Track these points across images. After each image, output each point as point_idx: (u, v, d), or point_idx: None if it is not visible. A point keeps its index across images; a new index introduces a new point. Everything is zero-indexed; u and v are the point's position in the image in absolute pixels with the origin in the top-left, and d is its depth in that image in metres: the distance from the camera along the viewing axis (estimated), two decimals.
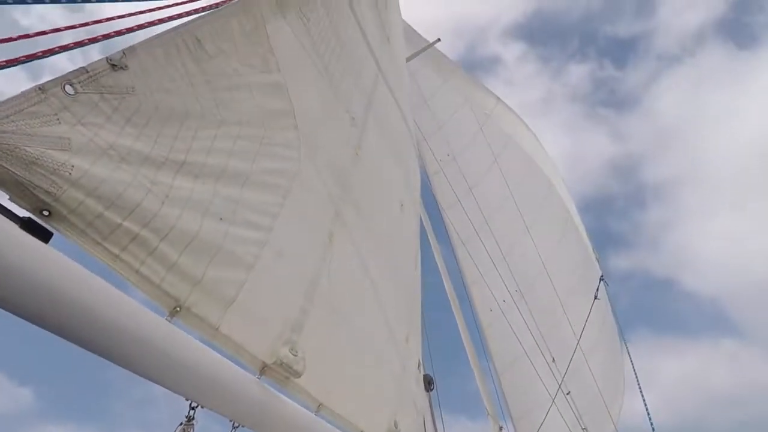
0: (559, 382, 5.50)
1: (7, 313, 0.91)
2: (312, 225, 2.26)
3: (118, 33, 1.48)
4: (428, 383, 5.40)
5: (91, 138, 1.11)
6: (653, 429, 4.55)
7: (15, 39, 1.20)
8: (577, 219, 7.12)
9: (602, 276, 6.53)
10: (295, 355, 1.80)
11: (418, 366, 4.44)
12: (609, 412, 5.68)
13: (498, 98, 8.61)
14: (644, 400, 4.98)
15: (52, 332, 0.96)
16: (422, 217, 6.81)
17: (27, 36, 1.23)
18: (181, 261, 1.30)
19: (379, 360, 3.15)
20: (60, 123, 1.04)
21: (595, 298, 6.18)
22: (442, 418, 5.17)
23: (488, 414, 5.95)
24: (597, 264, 6.83)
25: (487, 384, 5.95)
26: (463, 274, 7.13)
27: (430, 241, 6.59)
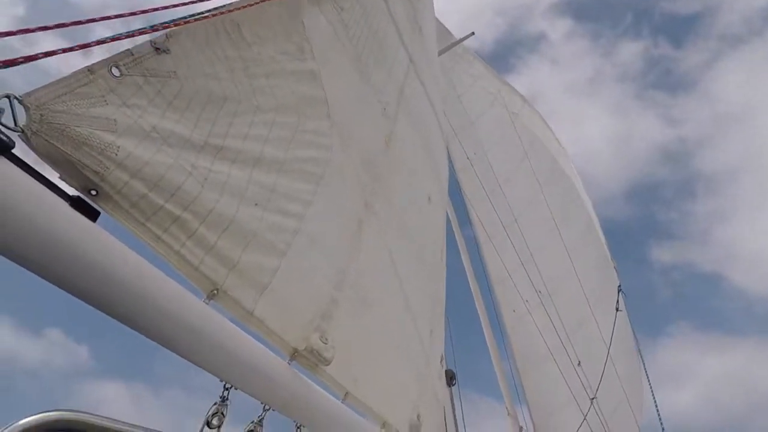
0: (585, 386, 5.39)
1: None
2: (342, 214, 2.26)
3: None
4: (450, 378, 5.38)
5: (135, 120, 1.13)
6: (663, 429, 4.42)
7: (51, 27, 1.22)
8: (597, 225, 6.97)
9: (620, 286, 6.36)
10: (325, 343, 1.81)
11: (441, 360, 4.42)
12: (636, 420, 5.53)
13: (524, 99, 8.51)
14: (656, 406, 4.84)
15: (95, 307, 0.98)
16: (449, 213, 6.76)
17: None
18: (219, 244, 1.32)
19: (404, 352, 3.14)
20: (107, 104, 1.06)
21: (617, 309, 6.01)
22: (462, 413, 5.15)
23: (508, 414, 5.89)
24: (615, 273, 6.66)
25: (508, 384, 5.88)
26: (488, 272, 7.06)
27: (456, 237, 6.53)
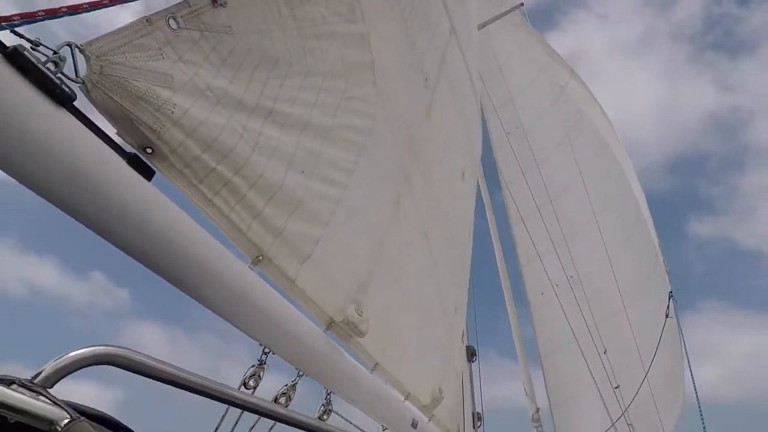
0: (609, 375, 5.32)
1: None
2: (383, 186, 2.22)
3: None
4: (471, 354, 5.40)
5: (191, 77, 1.09)
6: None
7: None
8: (650, 222, 6.53)
9: (671, 293, 6.02)
10: (361, 315, 1.80)
11: (462, 336, 4.42)
12: (660, 420, 5.43)
13: (572, 71, 8.00)
14: (699, 407, 4.73)
15: (141, 263, 0.98)
16: (481, 190, 6.60)
17: None
18: (266, 211, 1.30)
19: (430, 327, 3.14)
20: (163, 58, 1.03)
21: (667, 316, 5.76)
22: (481, 389, 5.18)
23: (526, 394, 5.91)
24: (666, 277, 6.26)
25: (527, 364, 5.86)
26: (518, 252, 6.93)
27: (487, 214, 6.41)
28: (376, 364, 2.21)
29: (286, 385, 1.76)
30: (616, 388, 5.16)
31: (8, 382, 0.65)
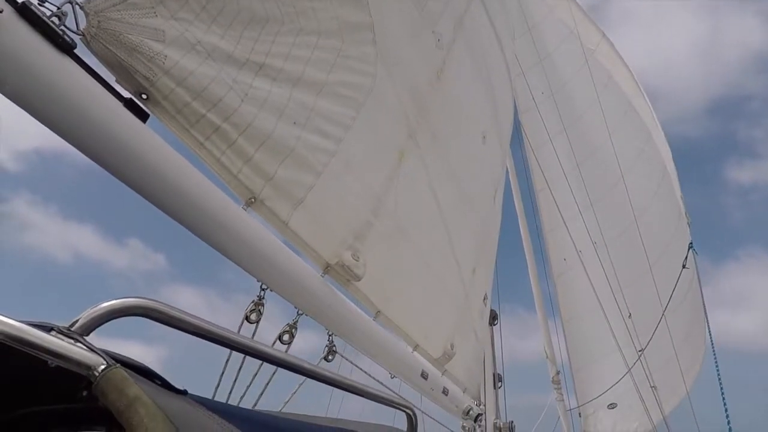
0: (633, 338, 5.30)
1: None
2: (383, 142, 2.31)
3: None
4: (492, 318, 5.50)
5: (182, 32, 1.22)
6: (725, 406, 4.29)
7: None
8: (674, 176, 6.38)
9: (691, 243, 5.93)
10: (357, 260, 1.94)
11: (484, 299, 4.51)
12: (683, 375, 5.41)
13: (603, 33, 7.66)
14: (719, 378, 4.66)
15: (144, 197, 1.14)
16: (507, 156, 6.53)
17: None
18: (256, 157, 1.43)
19: (442, 285, 3.25)
20: (156, 16, 1.16)
21: (684, 267, 5.67)
22: (502, 352, 5.30)
23: (547, 357, 5.98)
24: (688, 229, 6.18)
25: (549, 328, 5.91)
26: (542, 219, 6.87)
27: (511, 179, 6.37)
28: (378, 311, 2.36)
29: (287, 324, 1.94)
30: (640, 351, 5.15)
31: (48, 328, 0.68)
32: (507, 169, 6.32)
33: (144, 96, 1.14)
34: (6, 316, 0.65)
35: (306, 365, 1.45)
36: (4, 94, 0.90)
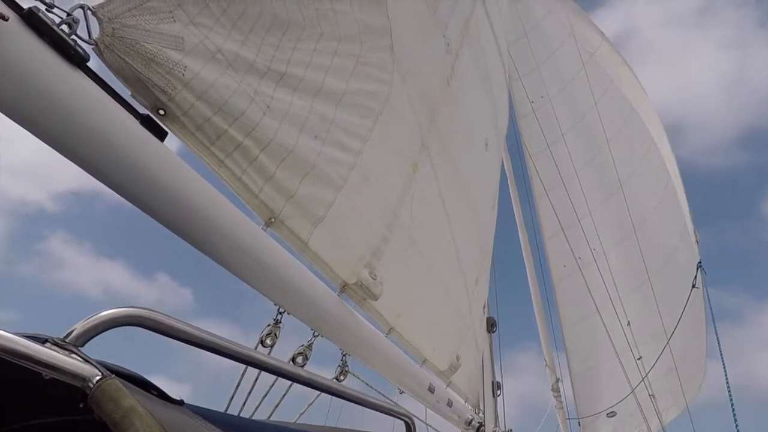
0: (632, 346, 5.28)
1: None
2: (398, 153, 2.21)
3: None
4: (491, 325, 5.45)
5: (201, 40, 1.11)
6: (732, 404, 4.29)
7: None
8: (681, 190, 6.32)
9: (700, 262, 5.85)
10: (374, 279, 1.84)
11: (483, 307, 4.45)
12: (682, 389, 5.40)
13: (603, 35, 7.64)
14: (728, 387, 4.67)
15: (160, 222, 1.03)
16: (504, 161, 6.47)
17: None
18: (277, 174, 1.33)
19: (449, 296, 3.18)
20: (174, 21, 1.04)
21: (693, 286, 5.63)
22: (501, 359, 5.25)
23: (546, 365, 5.94)
24: (696, 246, 6.09)
25: (548, 336, 5.88)
26: (542, 225, 6.84)
27: (509, 186, 6.32)
28: (391, 328, 2.27)
29: (302, 345, 1.84)
30: (638, 359, 5.14)
31: (42, 340, 0.67)
32: (506, 174, 6.27)
33: (161, 112, 1.03)
34: None
35: (304, 374, 1.40)
36: (5, 114, 0.78)
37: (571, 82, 7.16)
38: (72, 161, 0.87)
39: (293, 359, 1.83)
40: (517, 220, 6.12)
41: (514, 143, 6.80)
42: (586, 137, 6.75)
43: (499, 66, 4.62)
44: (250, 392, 1.88)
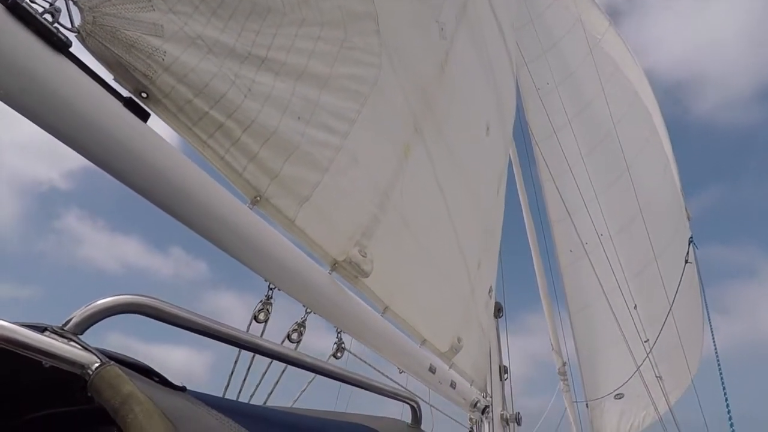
0: (639, 329, 5.28)
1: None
2: (389, 136, 2.26)
3: None
4: (497, 310, 5.50)
5: (181, 27, 1.17)
6: (727, 403, 4.29)
7: None
8: (675, 168, 6.34)
9: (691, 237, 5.92)
10: (364, 257, 1.90)
11: (489, 292, 4.49)
12: (688, 365, 5.41)
13: (610, 21, 7.55)
14: (718, 360, 4.65)
15: (148, 200, 1.10)
16: (509, 148, 6.47)
17: None
18: (261, 154, 1.39)
19: (448, 279, 3.23)
20: (153, 9, 1.11)
21: (686, 261, 5.66)
22: (507, 343, 5.30)
23: (553, 349, 5.97)
24: (687, 223, 6.16)
25: (555, 321, 5.91)
26: (548, 211, 6.83)
27: (515, 171, 6.31)
28: (386, 307, 2.33)
29: (296, 322, 1.92)
30: (645, 341, 5.14)
31: (41, 329, 0.67)
32: (511, 160, 6.26)
33: (144, 94, 1.10)
34: None
35: (308, 359, 1.44)
36: None
37: (578, 69, 7.10)
38: (60, 140, 0.94)
39: (288, 336, 1.91)
40: (522, 204, 6.13)
41: (520, 129, 6.79)
42: (593, 122, 6.71)
43: (503, 51, 4.61)
44: (247, 374, 1.93)
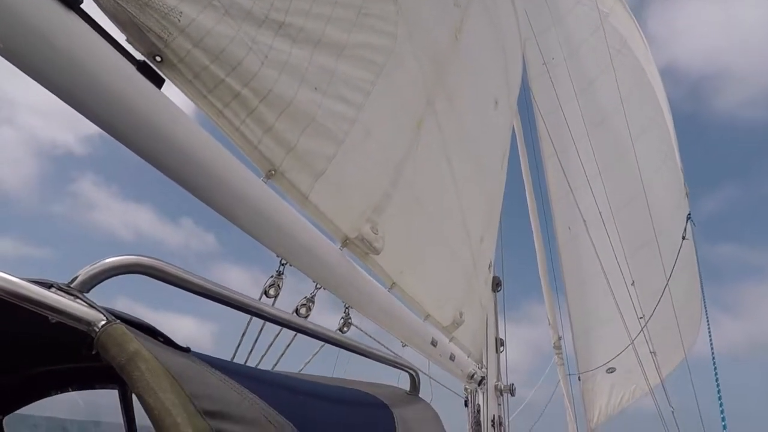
0: (635, 306, 5.35)
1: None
2: (402, 108, 2.19)
3: None
4: (496, 284, 5.54)
5: None
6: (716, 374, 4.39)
7: None
8: (675, 145, 6.31)
9: (689, 215, 5.96)
10: (376, 234, 1.87)
11: (489, 266, 4.51)
12: (682, 341, 5.52)
13: None
14: (710, 336, 4.75)
15: (159, 169, 1.05)
16: (513, 121, 6.36)
17: None
18: (277, 125, 1.33)
19: (453, 254, 3.21)
20: None
21: (683, 238, 5.71)
22: (505, 318, 5.36)
23: (549, 324, 6.07)
24: (686, 200, 6.19)
25: (552, 295, 5.98)
26: (549, 186, 6.79)
27: (519, 146, 6.23)
28: (394, 283, 2.32)
29: (305, 297, 1.90)
30: (640, 318, 5.22)
31: (47, 285, 0.67)
32: (515, 134, 6.17)
33: (158, 58, 1.03)
34: (5, 272, 0.63)
35: (310, 326, 1.43)
36: (2, 56, 0.79)
37: (586, 43, 6.92)
38: (69, 104, 0.88)
39: (296, 311, 1.89)
40: (524, 179, 6.08)
41: (524, 103, 6.66)
42: (599, 99, 6.59)
43: (513, 21, 4.45)
44: (255, 342, 1.95)
